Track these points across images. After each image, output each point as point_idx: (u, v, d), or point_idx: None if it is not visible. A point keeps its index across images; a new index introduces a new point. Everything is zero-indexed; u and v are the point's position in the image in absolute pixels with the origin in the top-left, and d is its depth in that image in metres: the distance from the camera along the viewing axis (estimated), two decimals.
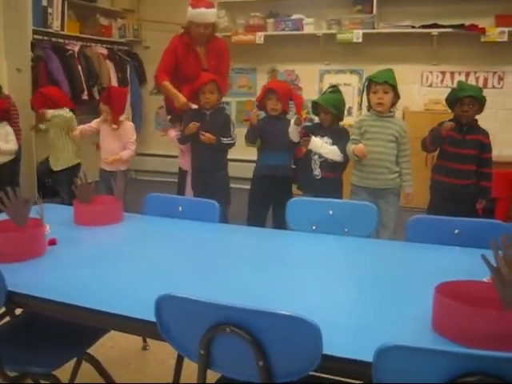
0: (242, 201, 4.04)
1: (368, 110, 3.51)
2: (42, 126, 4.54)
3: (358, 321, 1.32)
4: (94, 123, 4.40)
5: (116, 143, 4.28)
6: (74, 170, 4.50)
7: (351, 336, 1.23)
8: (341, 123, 3.73)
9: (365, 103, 3.60)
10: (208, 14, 4.23)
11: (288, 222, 2.23)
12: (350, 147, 3.39)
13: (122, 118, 4.31)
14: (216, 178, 4.00)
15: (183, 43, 4.33)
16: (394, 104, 3.39)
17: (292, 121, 3.64)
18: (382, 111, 3.36)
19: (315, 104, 3.63)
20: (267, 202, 3.89)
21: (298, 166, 3.89)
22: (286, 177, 3.83)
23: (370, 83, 3.37)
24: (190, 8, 4.24)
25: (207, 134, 3.83)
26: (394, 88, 3.34)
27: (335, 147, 3.51)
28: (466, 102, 3.51)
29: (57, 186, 4.69)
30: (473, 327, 1.15)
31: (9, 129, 4.62)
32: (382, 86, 3.31)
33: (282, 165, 3.81)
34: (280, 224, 3.68)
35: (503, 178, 5.03)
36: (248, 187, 4.04)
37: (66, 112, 4.55)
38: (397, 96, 3.38)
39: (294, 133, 3.65)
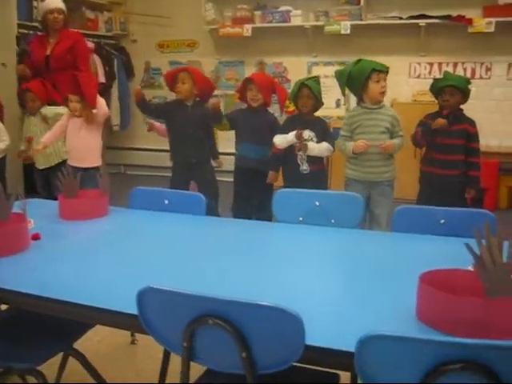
0: (228, 194, 4.03)
1: (357, 104, 3.49)
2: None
3: (341, 311, 1.32)
4: (62, 120, 4.09)
5: (87, 137, 3.99)
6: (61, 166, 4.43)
7: (334, 326, 1.23)
8: (324, 115, 3.74)
9: (351, 97, 3.59)
10: (57, 2, 4.83)
11: (274, 213, 2.22)
12: (345, 145, 3.39)
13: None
14: (202, 171, 3.95)
15: (38, 38, 4.99)
16: None
17: (290, 135, 3.52)
18: (382, 100, 3.39)
19: (300, 87, 3.55)
20: (250, 194, 3.86)
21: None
22: (264, 171, 3.77)
23: (372, 73, 3.31)
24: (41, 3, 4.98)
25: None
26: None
27: (326, 144, 3.51)
28: (446, 91, 3.53)
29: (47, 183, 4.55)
30: (456, 315, 1.15)
31: (0, 126, 4.56)
32: (383, 74, 3.34)
33: (260, 159, 3.76)
34: (261, 217, 3.68)
35: (492, 168, 5.07)
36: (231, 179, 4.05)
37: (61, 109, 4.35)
38: None
39: (283, 143, 3.56)
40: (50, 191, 4.40)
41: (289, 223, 2.14)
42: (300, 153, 3.54)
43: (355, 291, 1.46)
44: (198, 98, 3.94)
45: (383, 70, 3.35)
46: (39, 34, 5.18)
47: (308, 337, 1.09)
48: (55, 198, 4.03)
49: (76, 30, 5.27)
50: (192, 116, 3.87)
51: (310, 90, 3.52)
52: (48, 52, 4.89)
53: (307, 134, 3.53)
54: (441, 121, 3.46)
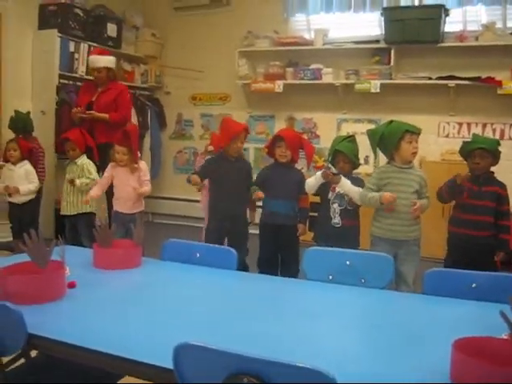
0: (250, 246, 4.07)
1: (388, 162, 3.53)
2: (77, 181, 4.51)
3: (374, 373, 1.32)
4: (107, 172, 4.30)
5: (134, 184, 4.21)
6: (87, 216, 4.56)
7: None
8: (354, 172, 3.77)
9: (380, 155, 3.63)
10: (98, 60, 5.22)
11: (305, 271, 2.24)
12: (372, 195, 3.39)
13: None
14: (238, 224, 3.99)
15: (87, 85, 5.48)
16: None
17: (319, 173, 3.58)
18: (413, 160, 3.44)
19: (336, 152, 3.63)
20: (276, 249, 3.88)
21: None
22: (292, 226, 3.82)
23: (405, 134, 3.36)
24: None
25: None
26: None
27: (358, 188, 3.51)
28: (476, 154, 3.54)
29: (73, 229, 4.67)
30: None
31: (29, 168, 4.74)
32: (416, 136, 3.39)
33: (288, 214, 3.80)
34: (288, 272, 3.70)
35: None
36: (254, 232, 4.08)
37: (93, 178, 4.54)
38: None
39: (314, 185, 3.61)
40: (76, 237, 4.53)
41: (318, 281, 2.15)
42: (334, 206, 3.56)
43: (388, 353, 1.46)
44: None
45: (416, 132, 3.40)
46: (87, 81, 5.62)
47: None
48: (81, 244, 4.21)
49: (121, 83, 5.56)
50: (238, 170, 3.96)
51: (344, 155, 3.59)
52: (93, 98, 5.19)
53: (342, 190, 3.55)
54: (463, 174, 3.46)
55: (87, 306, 1.78)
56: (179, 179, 6.79)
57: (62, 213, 4.67)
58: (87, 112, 5.08)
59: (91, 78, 5.46)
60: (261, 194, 3.78)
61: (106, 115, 5.10)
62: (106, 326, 1.60)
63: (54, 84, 5.62)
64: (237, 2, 6.72)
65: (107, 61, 5.28)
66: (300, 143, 3.93)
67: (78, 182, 4.46)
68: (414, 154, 3.41)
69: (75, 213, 4.58)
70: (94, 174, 4.55)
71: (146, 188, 4.24)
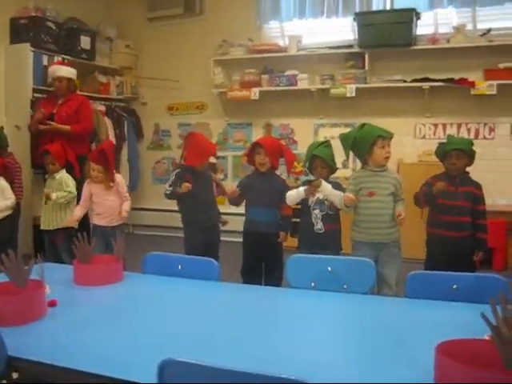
0: (234, 254, 4.04)
1: (362, 167, 3.55)
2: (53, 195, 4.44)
3: (359, 379, 1.33)
4: (85, 191, 4.27)
5: (113, 197, 4.21)
6: (67, 231, 4.47)
7: None
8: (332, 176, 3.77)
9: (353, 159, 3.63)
10: (60, 70, 5.27)
11: (288, 279, 2.24)
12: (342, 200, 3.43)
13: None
14: (213, 234, 4.02)
15: (47, 98, 5.45)
16: None
17: (301, 188, 3.54)
18: (386, 164, 3.44)
19: (313, 157, 3.62)
20: (259, 257, 3.86)
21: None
22: (274, 234, 3.80)
23: (377, 139, 3.37)
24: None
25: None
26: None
27: (340, 192, 3.49)
28: (453, 154, 3.57)
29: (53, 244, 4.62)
30: None
31: (4, 184, 4.63)
32: (388, 140, 3.40)
33: (270, 222, 3.79)
34: (271, 280, 3.72)
35: (498, 227, 5.07)
36: (238, 240, 4.05)
37: (70, 190, 4.48)
38: None
39: (295, 199, 3.58)
40: (56, 252, 4.48)
41: (301, 289, 2.15)
42: (316, 212, 3.56)
43: (372, 359, 1.47)
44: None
45: (388, 137, 3.41)
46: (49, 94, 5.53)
47: None
48: (60, 259, 4.15)
49: (81, 94, 5.59)
50: (205, 181, 3.98)
51: (322, 160, 3.59)
52: (54, 111, 5.17)
53: (322, 195, 3.55)
54: (440, 185, 3.48)
55: (69, 324, 1.76)
56: (158, 190, 6.73)
57: (41, 227, 4.61)
58: (47, 123, 5.06)
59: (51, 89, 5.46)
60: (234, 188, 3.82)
61: (67, 127, 5.07)
62: (89, 345, 1.58)
63: (27, 98, 5.55)
64: (210, 11, 6.73)
65: (68, 71, 5.29)
66: (280, 150, 3.89)
67: (53, 195, 4.40)
68: (387, 158, 3.42)
69: (54, 228, 4.52)
70: (72, 188, 4.49)
71: (127, 203, 4.24)
